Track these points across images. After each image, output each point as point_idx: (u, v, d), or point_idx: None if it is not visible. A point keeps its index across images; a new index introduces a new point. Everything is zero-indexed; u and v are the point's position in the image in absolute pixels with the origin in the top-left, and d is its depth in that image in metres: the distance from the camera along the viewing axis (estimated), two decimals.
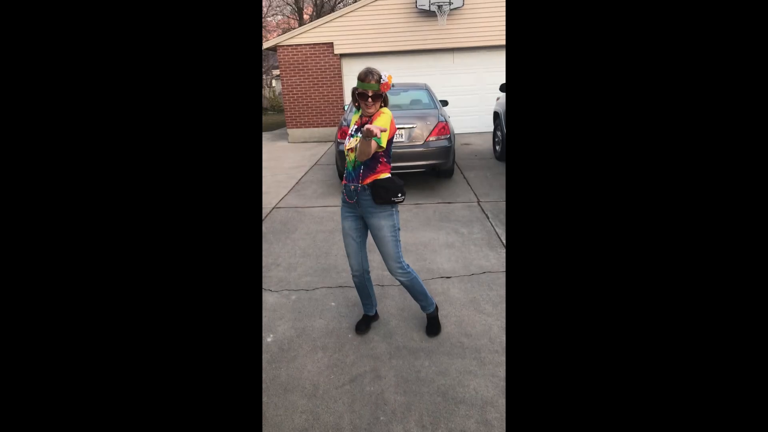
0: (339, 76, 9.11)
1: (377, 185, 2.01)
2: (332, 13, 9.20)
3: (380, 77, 1.92)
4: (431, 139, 4.84)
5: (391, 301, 2.71)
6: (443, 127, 4.92)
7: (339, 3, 19.38)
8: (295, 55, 9.05)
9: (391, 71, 8.72)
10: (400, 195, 2.00)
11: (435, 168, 5.03)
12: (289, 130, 9.57)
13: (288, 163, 7.21)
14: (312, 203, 4.89)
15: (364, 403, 1.87)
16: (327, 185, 5.65)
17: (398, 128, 4.84)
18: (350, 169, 2.07)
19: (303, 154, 7.98)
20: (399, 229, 2.11)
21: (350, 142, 2.04)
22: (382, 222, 2.06)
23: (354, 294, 2.78)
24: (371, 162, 2.02)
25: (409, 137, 4.86)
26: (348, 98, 9.06)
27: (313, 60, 9.04)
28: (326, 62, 9.04)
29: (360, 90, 1.96)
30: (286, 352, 2.24)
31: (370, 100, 1.95)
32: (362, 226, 2.17)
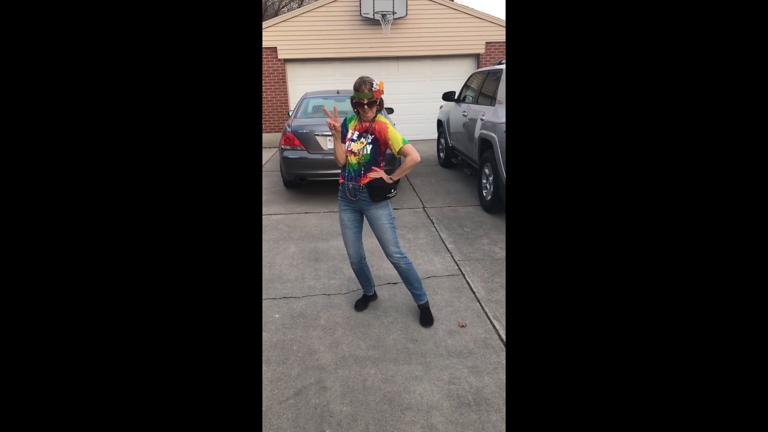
0: (283, 81, 8.95)
1: (373, 186, 2.23)
2: (276, 17, 9.03)
3: (372, 85, 2.11)
4: None
5: (338, 310, 2.67)
6: None
7: (283, 7, 19.09)
8: None
9: (336, 77, 8.51)
10: (393, 191, 2.27)
11: None
12: None
13: None
14: None
15: (309, 416, 1.82)
16: (271, 192, 5.50)
17: None
18: (351, 170, 2.27)
19: None
20: (394, 218, 2.35)
21: (353, 146, 2.24)
22: (380, 212, 2.30)
23: (298, 305, 2.74)
24: (371, 165, 2.25)
25: None
26: (293, 104, 8.92)
27: None
28: (270, 67, 8.85)
29: (356, 99, 2.16)
30: None
31: (366, 107, 2.16)
32: (359, 218, 2.41)
